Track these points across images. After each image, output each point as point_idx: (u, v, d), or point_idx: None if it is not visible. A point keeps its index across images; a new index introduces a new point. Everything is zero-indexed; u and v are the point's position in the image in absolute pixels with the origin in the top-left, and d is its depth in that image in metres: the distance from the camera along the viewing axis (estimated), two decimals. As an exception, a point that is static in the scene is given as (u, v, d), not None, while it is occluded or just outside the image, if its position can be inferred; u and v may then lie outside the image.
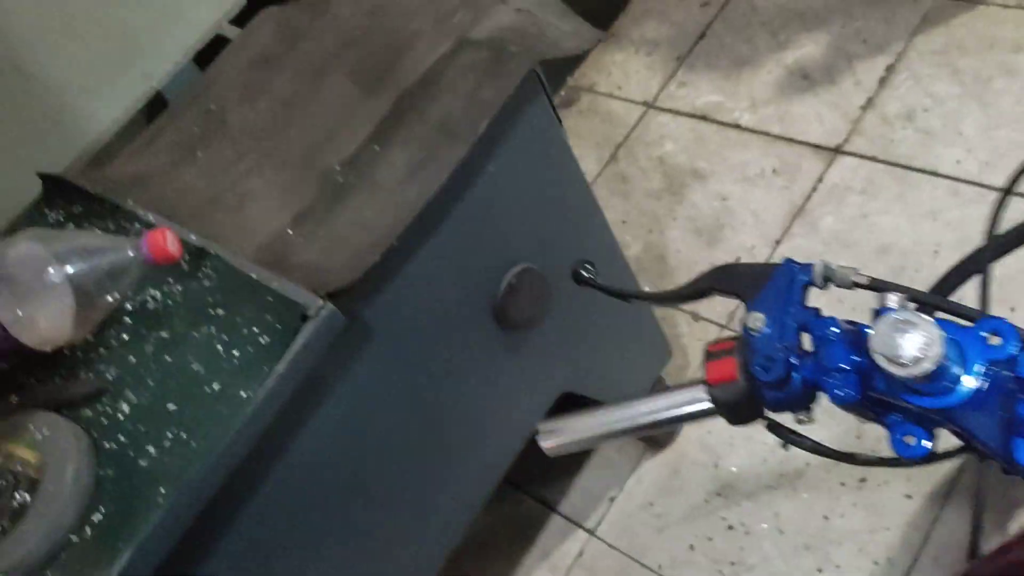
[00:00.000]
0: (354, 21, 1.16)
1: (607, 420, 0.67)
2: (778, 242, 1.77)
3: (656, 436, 1.59)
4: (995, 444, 0.48)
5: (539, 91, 1.07)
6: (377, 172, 0.95)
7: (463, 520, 1.23)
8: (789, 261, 0.61)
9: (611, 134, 2.09)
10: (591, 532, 1.57)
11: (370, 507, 1.07)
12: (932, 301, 0.56)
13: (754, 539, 1.46)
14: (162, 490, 0.77)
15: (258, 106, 1.10)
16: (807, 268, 0.60)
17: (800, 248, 1.74)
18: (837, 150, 1.83)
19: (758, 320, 0.59)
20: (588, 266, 0.82)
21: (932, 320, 0.49)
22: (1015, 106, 1.72)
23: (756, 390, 0.58)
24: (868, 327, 0.53)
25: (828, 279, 0.60)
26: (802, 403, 0.58)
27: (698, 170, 1.94)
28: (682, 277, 1.81)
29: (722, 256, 1.80)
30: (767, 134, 1.92)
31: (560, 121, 1.13)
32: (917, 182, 1.71)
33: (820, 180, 1.81)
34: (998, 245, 0.64)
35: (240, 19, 1.30)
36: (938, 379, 0.49)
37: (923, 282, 1.61)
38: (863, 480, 1.44)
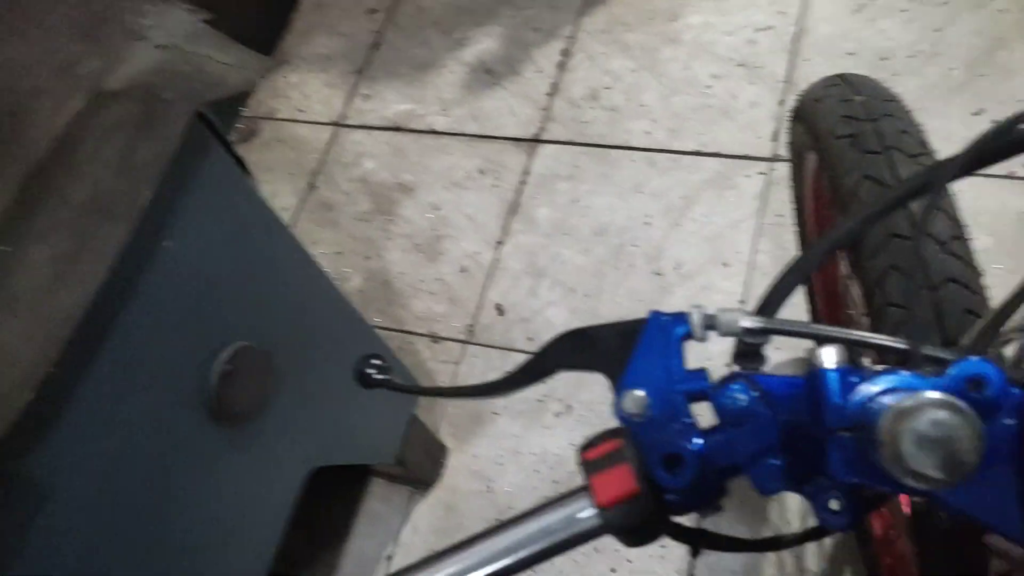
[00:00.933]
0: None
1: (451, 572, 0.47)
2: (500, 243, 1.72)
3: (420, 475, 1.48)
4: (1009, 520, 0.37)
5: (209, 139, 0.90)
6: (12, 281, 0.74)
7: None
8: (656, 314, 0.48)
9: (303, 161, 1.93)
10: (377, 601, 1.42)
11: None
12: (885, 344, 0.44)
13: (545, 558, 1.39)
14: None
15: None
16: (681, 319, 0.48)
17: (523, 244, 1.70)
18: (535, 140, 1.81)
19: (638, 400, 0.45)
20: (375, 361, 0.61)
21: (954, 400, 0.34)
22: (683, 71, 1.80)
23: (658, 497, 0.44)
24: (795, 379, 0.42)
25: (710, 327, 0.47)
26: (715, 498, 0.45)
27: (404, 184, 1.84)
28: (410, 300, 1.70)
29: (447, 269, 1.72)
30: (464, 135, 1.86)
31: (244, 167, 0.96)
32: (616, 159, 1.73)
33: (527, 172, 1.78)
34: (816, 252, 0.54)
35: None
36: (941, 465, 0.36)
37: (643, 254, 1.64)
38: (635, 468, 1.43)
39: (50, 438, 0.72)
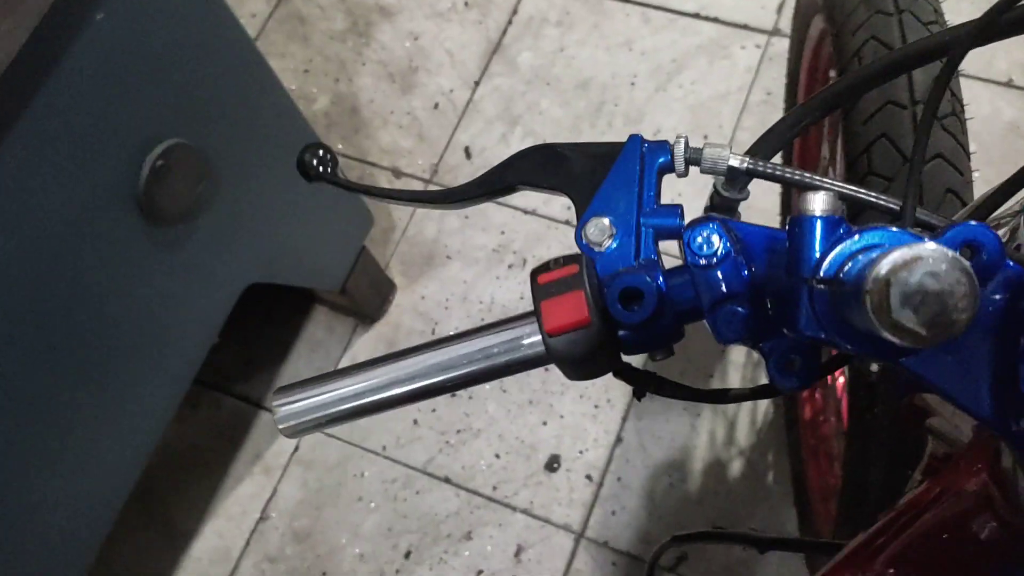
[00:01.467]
0: None
1: (375, 383, 0.44)
2: (477, 83, 1.64)
3: (365, 309, 1.45)
4: (976, 395, 0.35)
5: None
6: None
7: (148, 438, 1.04)
8: (637, 138, 0.43)
9: (280, -34, 1.80)
10: (307, 423, 1.43)
11: (25, 435, 0.84)
12: (880, 204, 0.40)
13: (478, 403, 1.40)
14: None
15: None
16: (662, 147, 0.43)
17: (501, 88, 1.62)
18: (529, -22, 1.69)
19: (603, 228, 0.42)
20: (321, 154, 0.53)
21: (957, 256, 0.30)
22: (697, -74, 1.67)
23: (611, 334, 0.41)
24: (774, 230, 0.39)
25: (693, 162, 0.43)
26: (669, 341, 0.42)
27: (385, 6, 1.73)
28: (377, 130, 1.64)
29: (419, 104, 1.64)
30: (455, -38, 1.74)
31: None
32: (611, 10, 1.64)
33: (515, 12, 1.68)
34: (816, 103, 0.49)
35: None
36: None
37: (623, 115, 1.57)
38: (580, 329, 1.42)
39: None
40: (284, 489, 1.38)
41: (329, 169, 0.53)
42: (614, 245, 0.42)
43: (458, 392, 1.41)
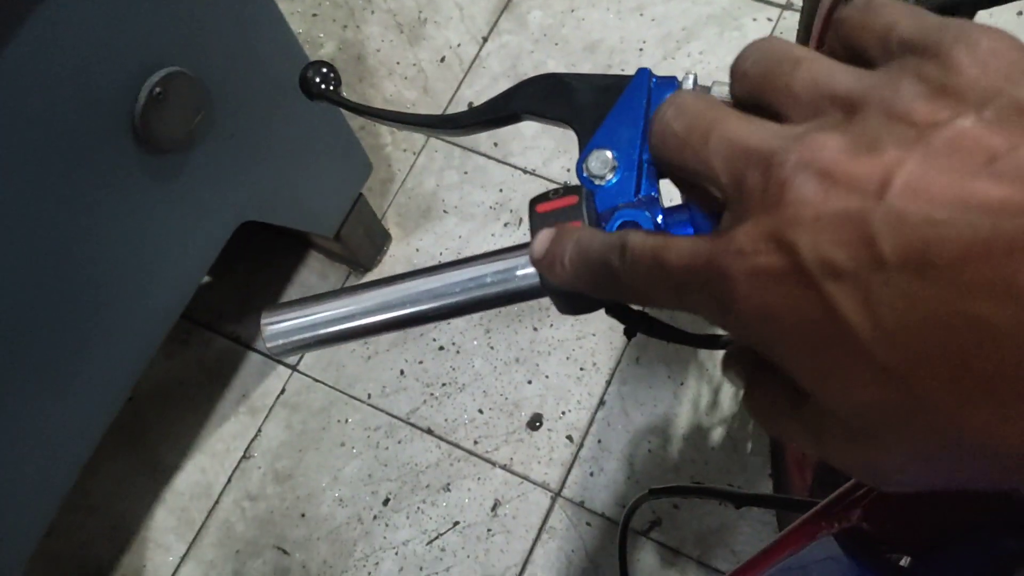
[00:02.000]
0: None
1: (365, 306, 0.44)
2: (485, 39, 1.62)
3: (359, 257, 1.46)
4: None
5: None
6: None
7: (132, 367, 1.04)
8: (645, 72, 0.42)
9: (295, -93, 1.78)
10: (293, 368, 1.43)
11: (5, 353, 0.85)
12: None
13: (465, 358, 1.41)
14: None
15: None
16: (670, 83, 0.42)
17: (509, 45, 1.61)
18: (545, -64, 1.68)
19: (605, 161, 0.41)
20: (325, 71, 0.52)
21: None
22: None
23: None
24: None
25: None
26: None
27: (397, -45, 1.71)
28: (382, 80, 1.63)
29: (426, 56, 1.63)
30: (471, -86, 1.72)
31: None
32: (624, -26, 1.62)
33: (527, -31, 1.66)
34: None
35: None
36: None
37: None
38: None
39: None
40: (268, 430, 1.40)
41: (332, 87, 0.52)
42: (615, 179, 0.41)
43: (446, 345, 1.42)
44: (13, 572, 0.98)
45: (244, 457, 1.38)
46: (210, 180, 0.99)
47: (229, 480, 1.37)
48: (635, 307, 0.47)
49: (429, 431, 1.37)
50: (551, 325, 1.42)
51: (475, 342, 1.42)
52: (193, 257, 1.06)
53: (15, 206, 0.79)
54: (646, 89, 0.42)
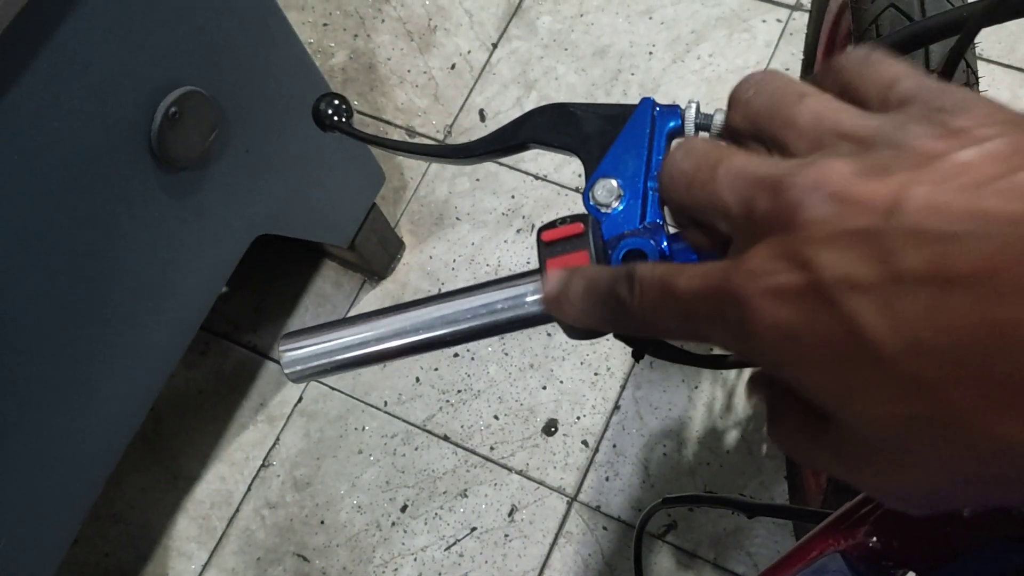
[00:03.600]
0: None
1: (379, 333, 0.46)
2: (495, 45, 1.63)
3: (373, 266, 1.47)
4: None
5: None
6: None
7: (153, 380, 1.06)
8: (649, 101, 0.44)
9: (304, -82, 1.80)
10: (311, 375, 1.45)
11: (31, 368, 0.86)
12: None
13: (480, 364, 1.42)
14: None
15: None
16: (673, 112, 0.43)
17: (518, 52, 1.62)
18: (553, -59, 1.68)
19: (610, 190, 0.43)
20: (337, 103, 0.54)
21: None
22: None
23: None
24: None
25: (703, 127, 0.44)
26: None
27: (406, -37, 1.72)
28: (393, 88, 1.64)
29: (437, 64, 1.64)
30: (479, -78, 1.72)
31: None
32: (633, -22, 1.63)
33: (536, -24, 1.67)
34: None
35: None
36: None
37: (639, 84, 1.57)
38: (584, 296, 1.43)
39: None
40: (286, 438, 1.41)
41: (344, 119, 0.54)
42: (620, 207, 0.43)
43: (461, 352, 1.43)
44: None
45: (263, 465, 1.40)
46: (226, 195, 1.01)
47: (249, 488, 1.39)
48: None
49: (445, 438, 1.38)
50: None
51: (489, 348, 1.43)
52: (211, 270, 1.07)
53: (37, 224, 0.81)
54: (649, 117, 0.44)
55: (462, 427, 1.38)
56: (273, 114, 1.04)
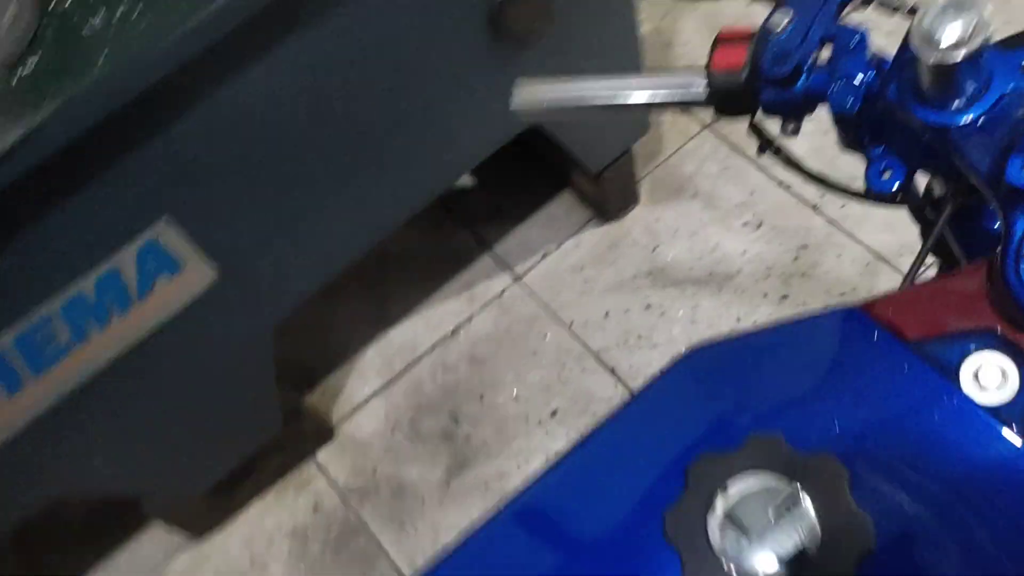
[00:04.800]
0: None
1: (590, 89, 0.61)
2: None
3: (607, 205, 1.61)
4: (985, 167, 0.46)
5: None
6: None
7: (384, 222, 1.25)
8: None
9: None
10: (518, 277, 1.61)
11: (328, 152, 1.08)
12: None
13: (666, 322, 1.52)
14: (104, 54, 0.75)
15: None
16: None
17: None
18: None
19: (783, 17, 0.54)
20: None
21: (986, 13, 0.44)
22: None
23: (756, 85, 0.55)
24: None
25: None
26: (797, 111, 0.55)
27: (734, -36, 1.85)
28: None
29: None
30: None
31: None
32: None
33: None
34: None
35: None
36: (956, 88, 0.46)
37: None
38: (785, 297, 1.49)
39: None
40: (479, 319, 1.58)
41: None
42: (787, 33, 0.54)
43: (653, 305, 1.54)
44: (277, 312, 1.20)
45: (452, 333, 1.58)
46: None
47: (433, 347, 1.57)
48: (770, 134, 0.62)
49: (612, 370, 1.49)
50: (754, 321, 1.50)
51: (681, 312, 1.53)
52: (472, 147, 1.24)
53: (380, 62, 1.01)
54: None
55: (630, 367, 1.49)
56: (593, 24, 1.19)
